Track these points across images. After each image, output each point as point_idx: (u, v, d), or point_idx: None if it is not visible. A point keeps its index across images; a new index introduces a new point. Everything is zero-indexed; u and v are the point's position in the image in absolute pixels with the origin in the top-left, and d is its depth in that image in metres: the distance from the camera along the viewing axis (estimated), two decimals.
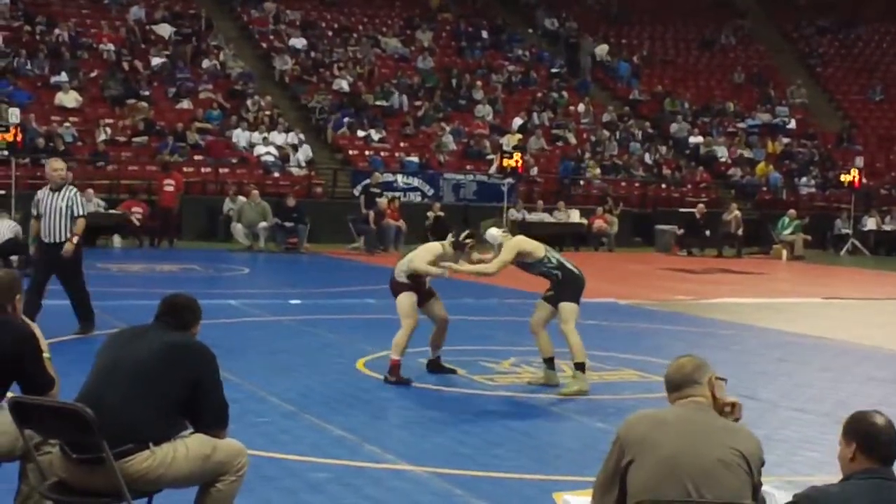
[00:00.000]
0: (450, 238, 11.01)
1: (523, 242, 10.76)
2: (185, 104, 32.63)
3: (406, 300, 10.87)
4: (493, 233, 10.82)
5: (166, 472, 5.18)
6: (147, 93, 32.24)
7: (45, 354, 5.78)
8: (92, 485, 5.11)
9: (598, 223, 31.06)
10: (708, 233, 30.54)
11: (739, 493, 4.37)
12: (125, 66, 33.32)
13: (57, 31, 33.86)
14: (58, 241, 12.77)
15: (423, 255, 10.89)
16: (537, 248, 10.71)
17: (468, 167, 33.20)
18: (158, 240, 26.65)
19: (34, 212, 13.04)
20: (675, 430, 4.50)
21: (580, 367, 10.60)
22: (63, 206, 12.77)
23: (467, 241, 10.87)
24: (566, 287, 10.65)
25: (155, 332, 5.47)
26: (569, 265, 10.75)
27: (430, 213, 29.23)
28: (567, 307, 10.60)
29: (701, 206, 31.58)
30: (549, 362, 10.90)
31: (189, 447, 5.25)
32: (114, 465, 4.98)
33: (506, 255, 10.56)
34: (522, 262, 10.71)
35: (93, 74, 32.59)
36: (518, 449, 8.65)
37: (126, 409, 5.14)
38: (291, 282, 20.77)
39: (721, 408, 4.74)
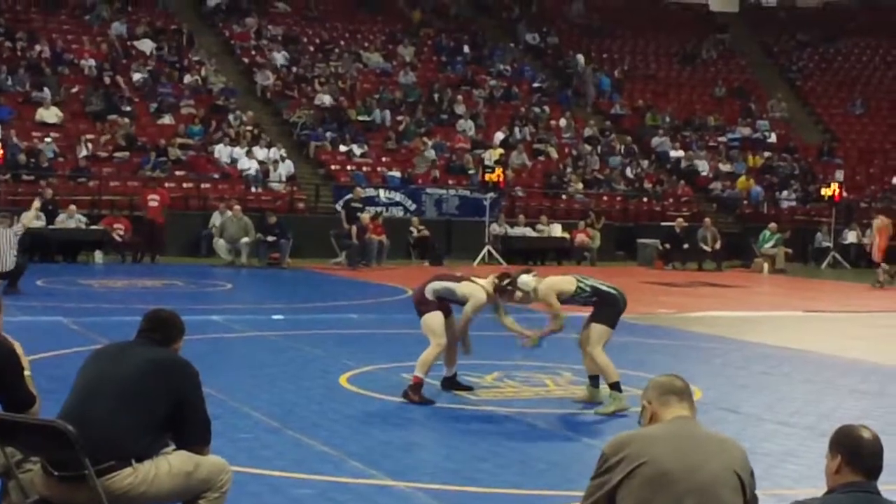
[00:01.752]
0: (492, 280, 10.96)
1: (556, 284, 10.81)
2: (167, 119, 32.60)
3: (437, 319, 10.81)
4: (525, 279, 10.85)
5: (149, 488, 5.15)
6: (129, 108, 32.20)
7: (26, 372, 5.74)
8: (74, 502, 5.08)
9: (581, 237, 31.10)
10: (686, 246, 30.63)
11: None
12: (106, 81, 33.27)
13: (38, 46, 33.82)
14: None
15: (472, 306, 10.84)
16: (569, 285, 10.75)
17: (450, 182, 33.23)
18: (142, 255, 26.58)
19: None
20: (667, 446, 4.47)
21: (615, 386, 10.54)
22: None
23: (509, 287, 10.86)
24: (602, 308, 10.71)
25: (138, 349, 5.46)
26: (604, 288, 10.76)
27: (412, 228, 29.30)
28: (597, 329, 10.63)
29: (680, 220, 31.67)
30: (593, 380, 10.95)
31: (172, 464, 5.23)
32: (96, 482, 4.95)
33: (552, 300, 10.67)
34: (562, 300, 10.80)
35: (74, 90, 32.56)
36: (503, 463, 8.63)
37: (109, 426, 5.11)
38: (274, 297, 20.75)
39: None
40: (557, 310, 10.74)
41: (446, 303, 11.02)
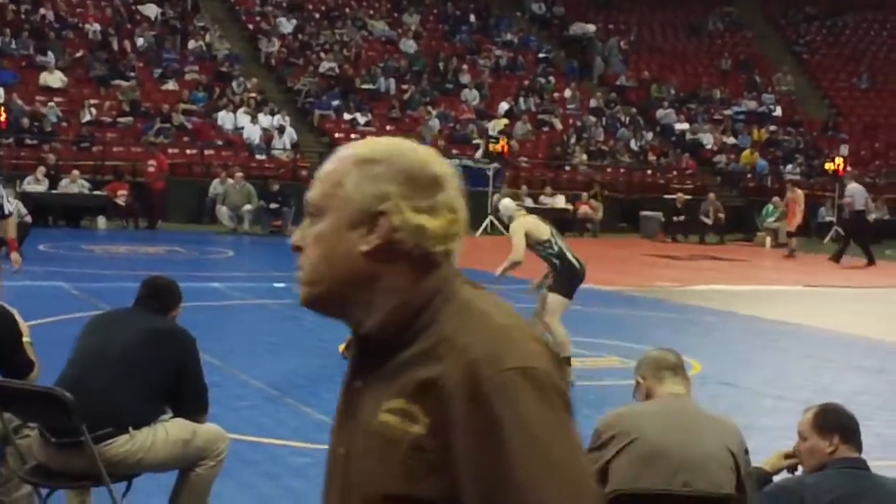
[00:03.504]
0: None
1: (530, 223, 10.53)
2: (171, 85, 32.53)
3: None
4: (507, 203, 10.66)
5: (146, 456, 5.18)
6: (133, 74, 32.13)
7: (26, 338, 5.76)
8: (71, 468, 5.11)
9: (584, 209, 31.10)
10: (682, 218, 30.64)
11: (724, 485, 4.39)
12: (111, 46, 33.19)
13: (42, 10, 33.72)
14: None
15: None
16: (543, 230, 10.49)
17: (454, 152, 33.17)
18: (137, 221, 26.58)
19: None
20: (661, 423, 4.49)
21: (566, 361, 10.35)
22: None
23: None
24: (561, 278, 10.45)
25: (136, 317, 5.47)
26: (570, 256, 10.46)
27: None
28: (555, 299, 10.42)
29: (681, 194, 31.63)
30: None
31: (169, 432, 5.26)
32: (93, 448, 4.97)
33: (517, 237, 10.38)
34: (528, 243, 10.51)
35: (78, 55, 32.46)
36: None
37: (106, 394, 5.14)
38: (276, 265, 20.71)
39: None
40: (519, 249, 10.40)
41: None
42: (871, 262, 25.28)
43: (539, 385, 1.90)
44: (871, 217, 28.91)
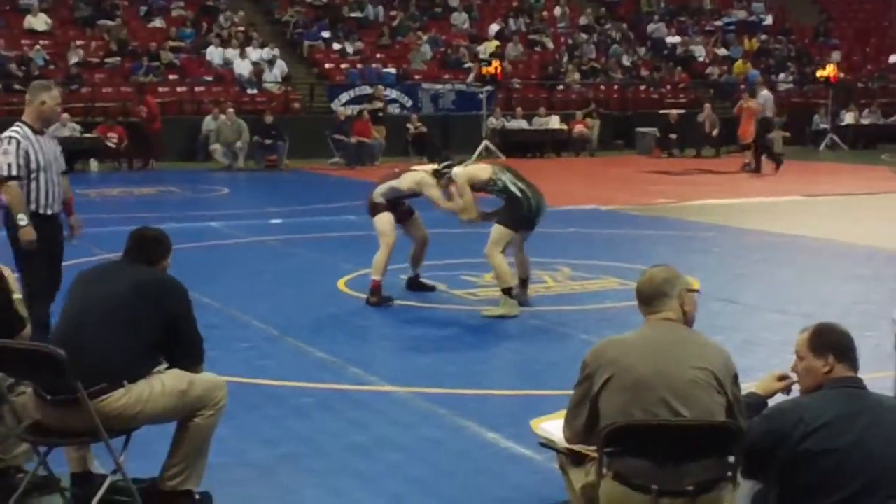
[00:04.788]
0: (431, 167, 10.89)
1: (470, 171, 10.63)
2: (158, 23, 32.24)
3: (385, 219, 10.82)
4: (457, 170, 10.67)
5: (143, 409, 5.16)
6: (118, 13, 31.82)
7: (16, 295, 5.74)
8: (68, 425, 5.09)
9: (579, 128, 30.98)
10: (675, 136, 30.52)
11: (712, 410, 4.39)
12: None
13: None
14: (57, 210, 8.29)
15: (432, 189, 10.71)
16: (483, 172, 10.51)
17: (446, 76, 32.97)
18: (131, 162, 26.48)
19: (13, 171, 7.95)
20: (644, 352, 4.50)
21: (507, 291, 10.25)
22: (59, 155, 8.34)
23: (446, 170, 10.74)
24: (506, 211, 10.37)
25: (125, 270, 5.43)
26: (513, 188, 10.32)
27: (409, 126, 29.15)
28: (497, 230, 10.31)
29: (673, 112, 31.44)
30: (523, 282, 10.75)
31: (165, 383, 5.24)
32: (88, 404, 4.96)
33: (464, 190, 10.49)
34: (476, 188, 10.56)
35: None
36: (502, 365, 8.69)
37: (99, 349, 5.11)
38: (272, 201, 20.67)
39: (689, 321, 4.73)
40: (468, 200, 10.48)
41: (402, 202, 10.97)
42: (758, 169, 25.57)
43: None
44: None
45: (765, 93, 26.79)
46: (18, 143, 7.90)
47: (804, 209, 18.89)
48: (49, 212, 8.08)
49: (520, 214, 10.32)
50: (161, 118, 26.98)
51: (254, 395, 7.62)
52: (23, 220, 7.85)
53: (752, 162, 26.02)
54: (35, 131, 8.02)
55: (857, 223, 16.85)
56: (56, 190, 8.12)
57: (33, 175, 7.97)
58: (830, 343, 4.46)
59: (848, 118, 33.62)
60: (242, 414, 6.92)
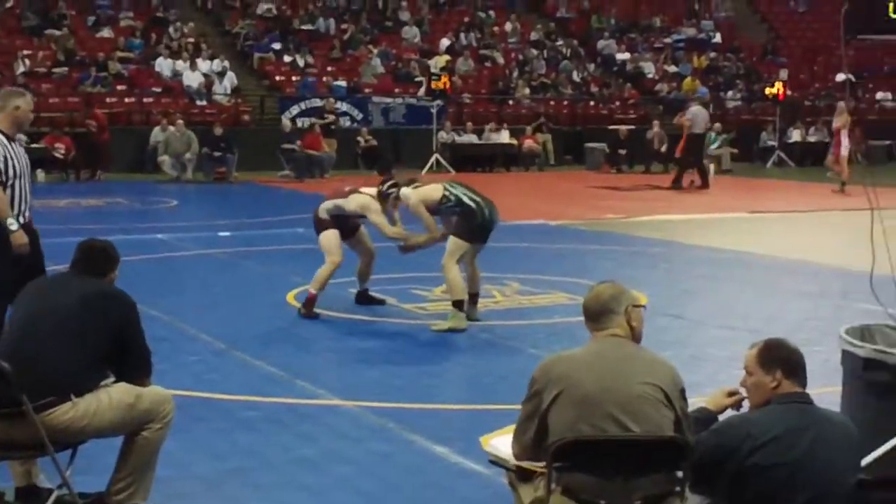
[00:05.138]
0: (377, 189, 10.80)
1: (423, 192, 10.54)
2: (106, 33, 32.05)
3: (330, 236, 10.77)
4: (406, 191, 10.58)
5: (90, 422, 5.12)
6: (66, 22, 31.60)
7: None
8: (13, 438, 5.03)
9: (528, 143, 31.09)
10: (624, 152, 30.67)
11: (660, 425, 4.39)
12: None
13: None
14: (30, 217, 8.14)
15: (376, 215, 10.65)
16: (435, 192, 10.44)
17: (396, 90, 32.99)
18: (79, 173, 26.27)
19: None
20: (592, 368, 4.47)
21: (458, 304, 10.25)
22: (28, 162, 8.18)
23: (391, 190, 10.69)
24: (462, 223, 10.33)
25: (73, 281, 5.38)
26: (466, 200, 10.30)
27: (359, 139, 29.16)
28: (452, 242, 10.28)
29: (623, 128, 31.63)
30: (472, 297, 10.68)
31: (112, 396, 5.19)
32: (34, 417, 4.91)
33: (419, 212, 10.45)
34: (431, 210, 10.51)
35: (9, 4, 31.92)
36: (451, 379, 8.69)
37: (46, 361, 5.06)
38: (221, 213, 20.58)
39: (637, 337, 4.72)
40: (428, 221, 10.48)
41: (346, 219, 10.91)
42: (705, 184, 25.80)
43: None
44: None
45: (693, 108, 26.79)
46: None
47: (751, 226, 19.04)
48: (22, 220, 7.92)
49: (475, 224, 10.29)
50: (109, 129, 26.80)
51: (201, 408, 7.57)
52: (13, 224, 7.75)
53: (696, 179, 26.19)
54: (8, 138, 7.89)
55: (804, 240, 17.00)
56: (29, 197, 8.00)
57: (10, 182, 7.83)
58: (779, 359, 4.49)
59: (795, 135, 34.00)
60: (190, 427, 6.87)
